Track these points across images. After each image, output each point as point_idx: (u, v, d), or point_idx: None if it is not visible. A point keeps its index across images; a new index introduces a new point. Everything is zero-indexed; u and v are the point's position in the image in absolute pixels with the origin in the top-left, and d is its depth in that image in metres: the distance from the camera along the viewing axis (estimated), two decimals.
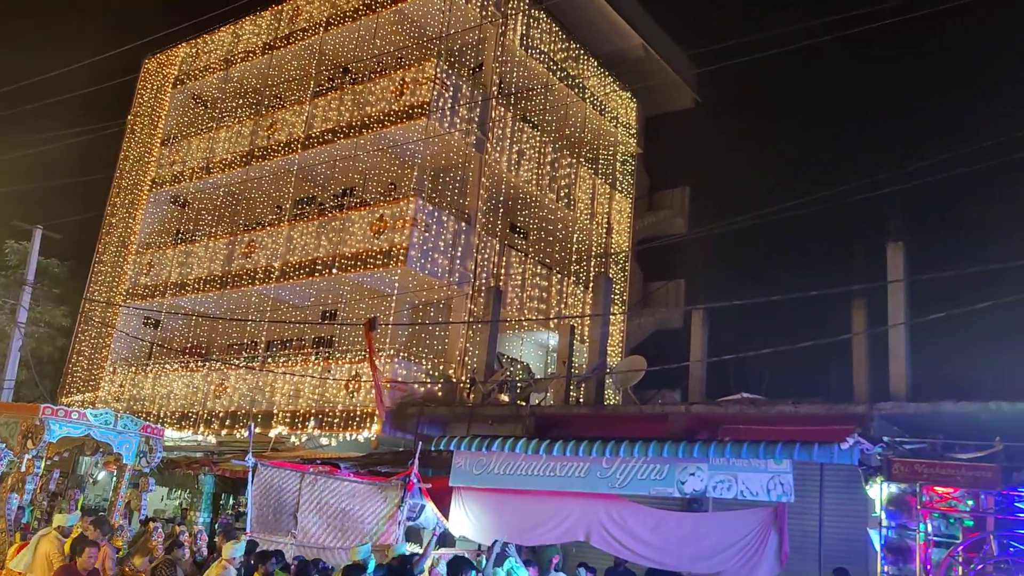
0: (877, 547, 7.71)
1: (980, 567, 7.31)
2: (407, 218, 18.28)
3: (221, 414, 19.67)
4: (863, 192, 13.63)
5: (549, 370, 21.58)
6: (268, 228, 21.40)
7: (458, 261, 19.10)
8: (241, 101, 24.32)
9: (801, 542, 11.61)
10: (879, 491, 7.79)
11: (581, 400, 17.37)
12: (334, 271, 19.09)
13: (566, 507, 11.84)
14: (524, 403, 16.24)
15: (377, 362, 16.04)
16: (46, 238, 23.13)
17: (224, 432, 19.31)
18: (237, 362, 20.64)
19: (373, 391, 16.00)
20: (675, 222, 26.24)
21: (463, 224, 19.40)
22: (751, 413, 13.07)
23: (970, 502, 7.50)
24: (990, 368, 12.73)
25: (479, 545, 12.74)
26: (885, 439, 8.30)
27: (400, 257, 17.99)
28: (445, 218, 19.00)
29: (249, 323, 21.26)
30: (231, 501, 17.22)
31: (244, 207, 23.00)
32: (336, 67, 22.36)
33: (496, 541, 11.35)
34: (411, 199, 18.54)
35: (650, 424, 13.33)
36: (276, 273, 20.36)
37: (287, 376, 18.73)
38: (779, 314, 15.94)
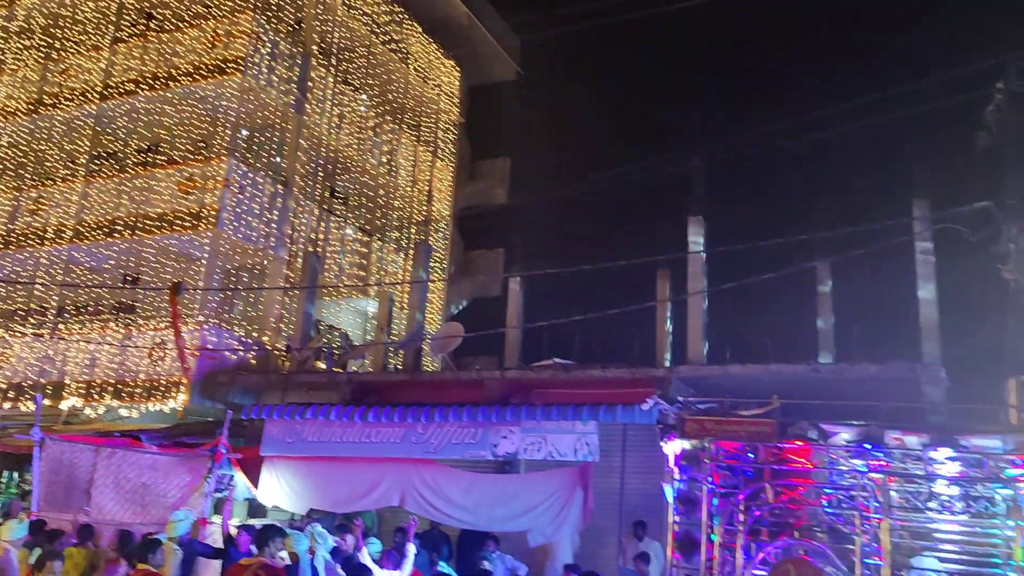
0: (670, 499, 8.29)
1: (757, 513, 8.03)
2: (219, 178, 17.40)
3: (3, 385, 18.02)
4: (670, 166, 14.41)
5: (368, 337, 21.39)
6: (60, 184, 19.67)
7: (274, 225, 18.43)
8: (28, 42, 22.04)
9: (605, 498, 12.27)
10: (673, 448, 8.36)
11: (399, 367, 17.35)
12: (137, 232, 17.87)
13: (381, 473, 11.84)
14: (341, 370, 16.02)
15: (184, 329, 15.25)
16: None
17: (7, 405, 17.71)
18: (23, 329, 18.93)
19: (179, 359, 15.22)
20: (496, 192, 26.56)
21: (280, 187, 18.71)
22: (562, 377, 13.60)
23: (751, 455, 8.22)
24: (774, 333, 13.90)
25: (291, 515, 12.50)
26: (680, 399, 8.92)
27: (211, 219, 17.12)
28: (261, 180, 18.25)
29: (37, 287, 19.51)
30: (14, 479, 15.87)
31: (31, 160, 20.96)
32: (139, 12, 20.73)
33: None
34: (223, 159, 17.65)
35: (467, 389, 13.55)
36: (69, 233, 18.79)
37: (82, 344, 17.41)
38: (591, 282, 16.58)
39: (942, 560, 7.95)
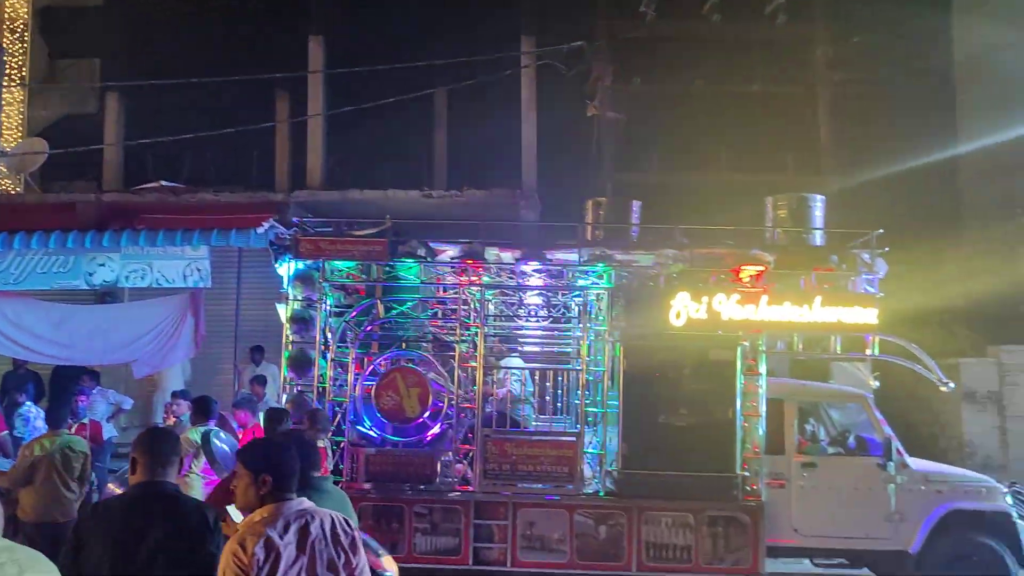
0: (284, 320, 8.28)
1: (369, 329, 8.37)
2: None
3: None
4: None
5: None
6: None
7: None
8: None
9: (219, 325, 11.98)
10: (287, 269, 8.27)
11: None
12: None
13: None
14: None
15: None
16: None
17: None
18: None
19: None
20: None
21: None
22: (171, 202, 12.68)
23: (363, 274, 8.43)
24: (393, 158, 14.18)
25: None
26: (296, 220, 8.77)
27: None
28: None
29: None
30: None
31: None
32: None
33: None
34: None
35: (55, 215, 12.12)
36: None
37: None
38: (205, 101, 15.28)
39: (527, 360, 9.08)
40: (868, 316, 7.68)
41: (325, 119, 14.32)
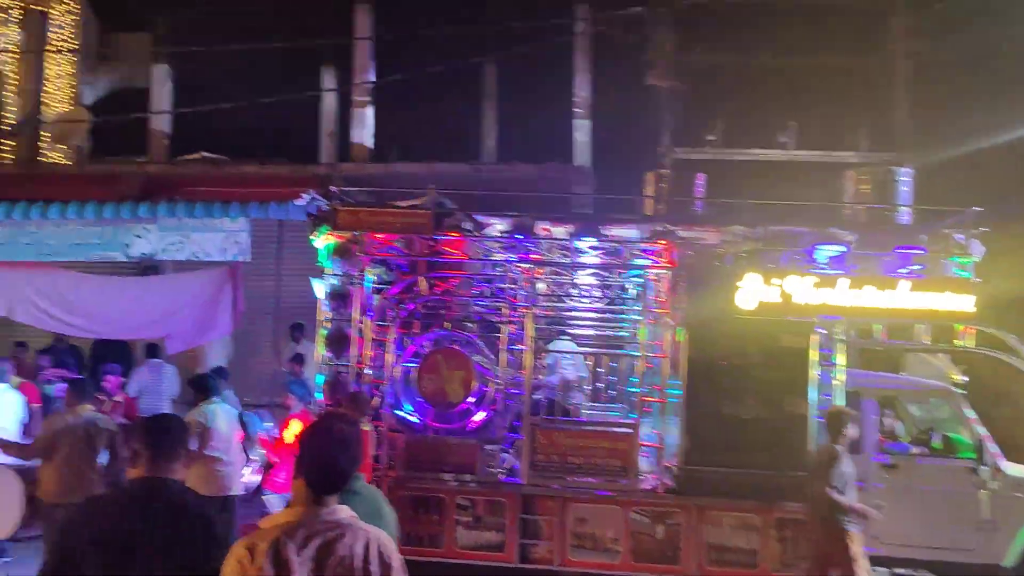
0: (320, 295, 7.79)
1: (411, 307, 7.83)
2: None
3: None
4: None
5: None
6: None
7: None
8: None
9: (260, 301, 11.59)
10: (325, 241, 7.77)
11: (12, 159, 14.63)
12: None
13: None
14: None
15: None
16: None
17: None
18: None
19: None
20: None
21: None
22: (214, 174, 12.33)
23: (406, 249, 7.86)
24: (441, 131, 13.60)
25: None
26: (334, 189, 8.22)
27: None
28: None
29: None
30: None
31: None
32: None
33: None
34: None
35: (99, 186, 11.80)
36: None
37: None
38: (249, 72, 14.93)
39: (579, 344, 8.46)
40: (964, 303, 6.88)
41: (372, 91, 13.83)
